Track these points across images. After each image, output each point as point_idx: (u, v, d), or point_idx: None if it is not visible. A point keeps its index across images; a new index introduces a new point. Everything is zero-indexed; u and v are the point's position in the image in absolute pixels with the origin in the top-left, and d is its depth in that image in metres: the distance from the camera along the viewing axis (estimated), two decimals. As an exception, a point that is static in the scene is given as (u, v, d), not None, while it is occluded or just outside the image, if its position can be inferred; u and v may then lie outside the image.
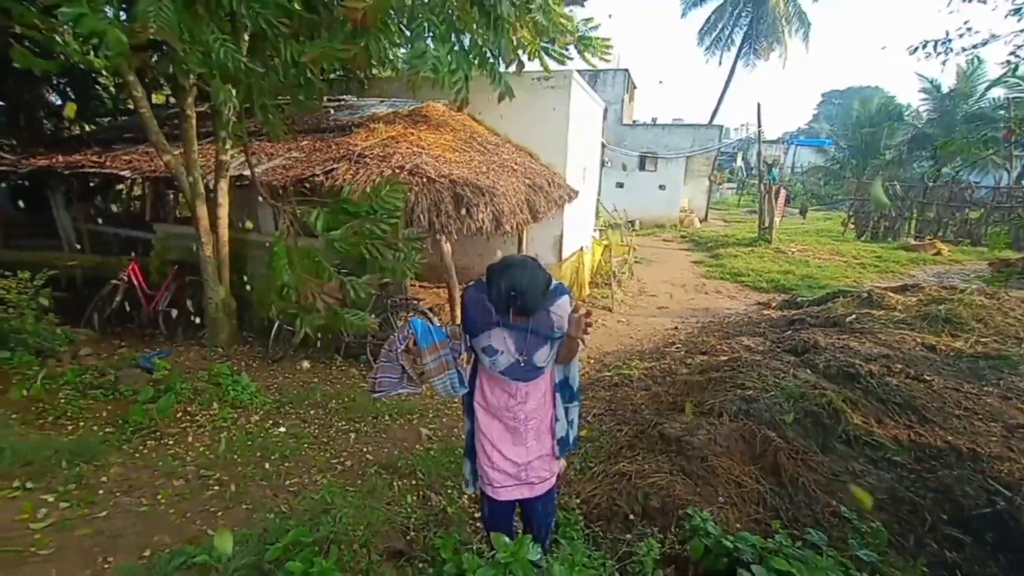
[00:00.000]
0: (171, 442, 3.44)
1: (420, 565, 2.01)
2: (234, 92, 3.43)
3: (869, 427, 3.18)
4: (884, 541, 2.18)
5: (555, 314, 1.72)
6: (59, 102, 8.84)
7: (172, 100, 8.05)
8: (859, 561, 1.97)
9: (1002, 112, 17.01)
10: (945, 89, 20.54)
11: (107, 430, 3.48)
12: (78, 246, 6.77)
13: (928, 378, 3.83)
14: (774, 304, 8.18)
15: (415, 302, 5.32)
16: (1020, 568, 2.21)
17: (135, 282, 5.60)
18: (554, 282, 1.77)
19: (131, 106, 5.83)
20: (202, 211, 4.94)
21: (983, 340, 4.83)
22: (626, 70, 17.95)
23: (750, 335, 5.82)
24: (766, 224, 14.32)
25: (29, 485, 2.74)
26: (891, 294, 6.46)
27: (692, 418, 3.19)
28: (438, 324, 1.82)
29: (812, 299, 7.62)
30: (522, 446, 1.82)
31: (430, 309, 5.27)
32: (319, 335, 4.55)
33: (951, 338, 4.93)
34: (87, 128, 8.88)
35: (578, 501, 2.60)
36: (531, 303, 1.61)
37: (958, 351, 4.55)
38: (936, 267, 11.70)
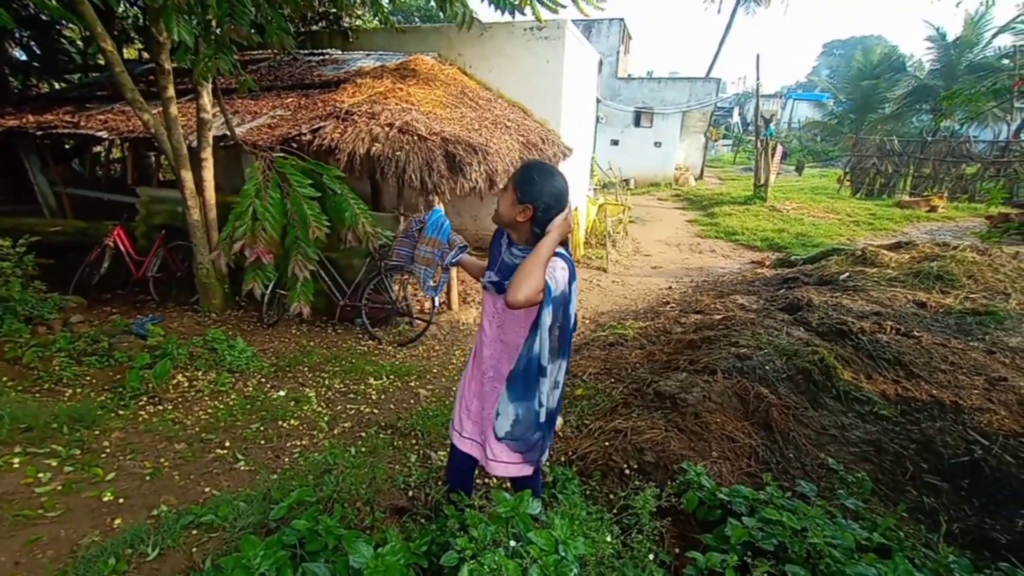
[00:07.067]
0: (170, 407, 3.46)
1: (423, 521, 2.07)
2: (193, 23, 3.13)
3: (859, 383, 3.25)
4: (868, 490, 2.27)
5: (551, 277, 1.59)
6: (23, 57, 8.35)
7: (146, 56, 7.64)
8: (845, 509, 2.05)
9: (1006, 61, 16.63)
10: (951, 38, 19.96)
11: (105, 396, 3.49)
12: (58, 211, 6.57)
13: (917, 334, 3.89)
14: (768, 263, 8.21)
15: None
16: (991, 509, 2.32)
17: (122, 248, 5.49)
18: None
19: (101, 61, 5.49)
20: (186, 173, 4.76)
21: (972, 296, 4.90)
22: (622, 19, 17.19)
23: (744, 294, 5.86)
24: (761, 182, 14.17)
25: (31, 450, 2.76)
26: (884, 252, 6.49)
27: (687, 376, 3.24)
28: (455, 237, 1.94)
29: (806, 257, 7.65)
30: (487, 400, 1.82)
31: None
32: (312, 300, 4.50)
33: (942, 295, 4.98)
34: (57, 86, 8.44)
35: (575, 457, 2.67)
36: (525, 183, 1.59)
37: (948, 307, 4.61)
38: (930, 224, 11.72)
